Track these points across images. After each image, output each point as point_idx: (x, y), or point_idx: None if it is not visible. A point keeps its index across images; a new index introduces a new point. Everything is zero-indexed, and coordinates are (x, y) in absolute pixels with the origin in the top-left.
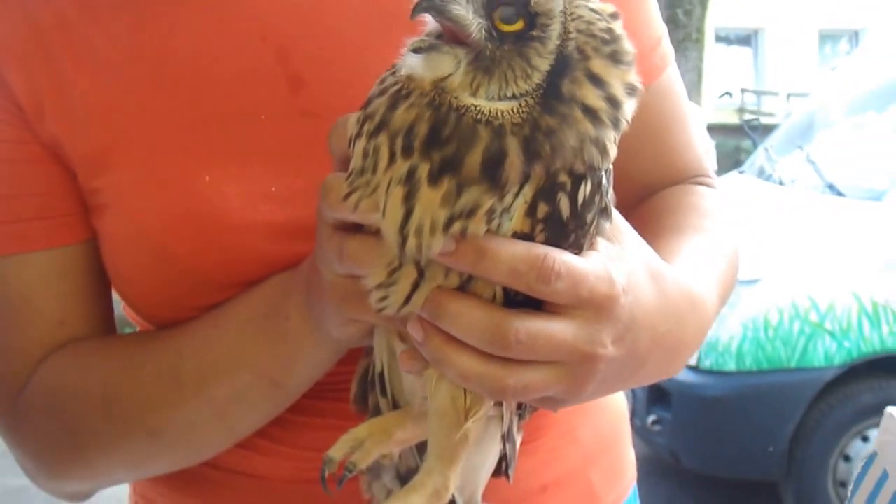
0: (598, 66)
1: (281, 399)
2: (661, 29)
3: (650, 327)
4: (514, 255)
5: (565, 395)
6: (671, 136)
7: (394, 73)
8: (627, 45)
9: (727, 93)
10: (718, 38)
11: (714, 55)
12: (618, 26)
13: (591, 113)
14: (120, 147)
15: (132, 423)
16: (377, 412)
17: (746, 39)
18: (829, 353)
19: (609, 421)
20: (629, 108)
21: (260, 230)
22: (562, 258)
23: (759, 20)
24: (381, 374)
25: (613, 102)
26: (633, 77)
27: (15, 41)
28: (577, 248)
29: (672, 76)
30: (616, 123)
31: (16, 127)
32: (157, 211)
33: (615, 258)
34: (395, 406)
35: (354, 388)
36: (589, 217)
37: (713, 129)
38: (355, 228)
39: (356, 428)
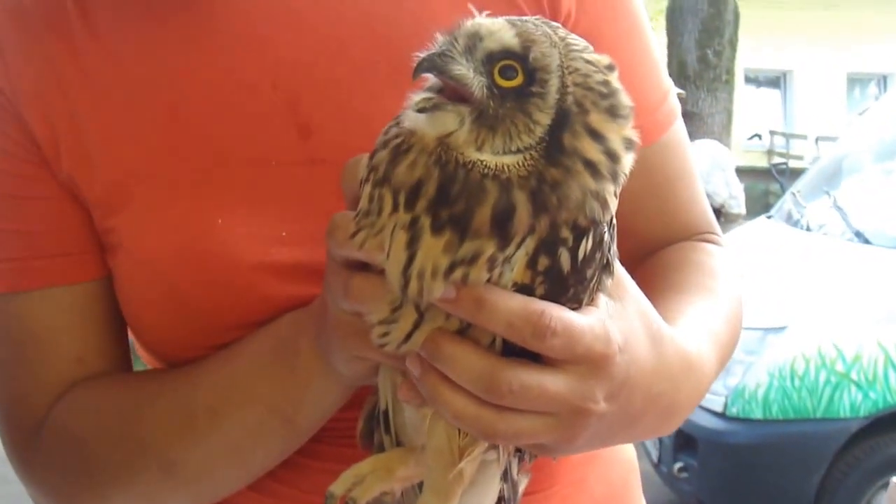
0: (597, 120)
1: (293, 436)
2: (667, 84)
3: (644, 387)
4: (511, 309)
5: (556, 444)
6: (676, 191)
7: (398, 123)
8: (625, 99)
9: (756, 135)
10: (748, 80)
11: (744, 97)
12: (614, 78)
13: (591, 166)
14: (133, 188)
15: (146, 457)
16: (382, 450)
17: (776, 81)
18: (854, 404)
19: (619, 471)
20: (627, 161)
21: (270, 273)
22: (559, 315)
23: (789, 62)
24: (385, 412)
25: (612, 156)
26: (631, 131)
27: (34, 81)
28: (577, 303)
29: (678, 132)
30: (615, 177)
31: (33, 164)
32: (169, 252)
33: (614, 315)
34: (399, 444)
35: (361, 424)
36: (589, 273)
37: (742, 172)
38: (362, 266)
39: (359, 464)
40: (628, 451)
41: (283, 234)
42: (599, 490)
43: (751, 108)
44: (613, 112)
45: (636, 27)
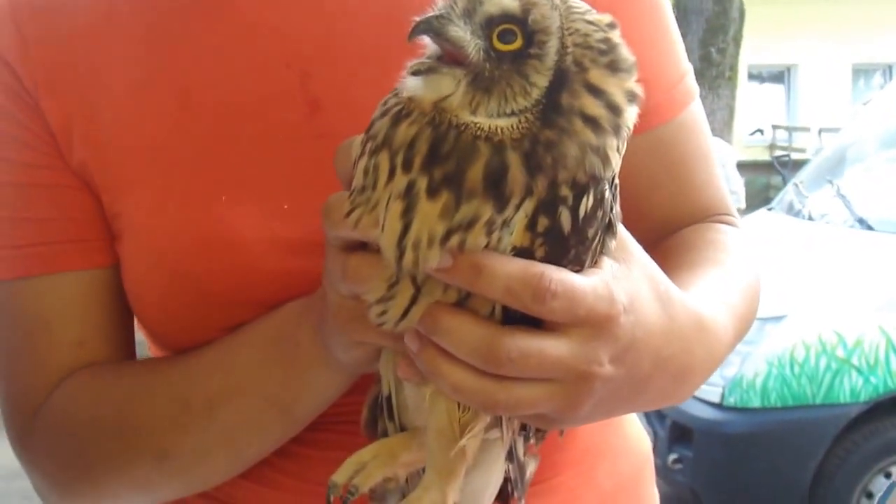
0: (596, 76)
1: (290, 425)
2: (685, 65)
3: (653, 349)
4: (509, 273)
5: (560, 413)
6: (692, 171)
7: (396, 95)
8: (626, 53)
9: (758, 130)
10: (751, 76)
11: (747, 93)
12: (615, 35)
13: (591, 121)
14: (141, 168)
15: (141, 445)
16: (385, 437)
17: (779, 76)
18: (855, 389)
19: (630, 463)
20: (631, 114)
21: (272, 247)
22: (559, 277)
23: (792, 57)
24: (388, 398)
25: (614, 109)
26: (634, 84)
27: (53, 69)
28: (579, 265)
29: (695, 112)
30: (617, 130)
31: (47, 154)
32: (174, 230)
33: (619, 276)
34: (403, 430)
35: (365, 413)
36: (591, 232)
37: (743, 166)
38: (361, 248)
39: (361, 451)
40: (642, 443)
41: (286, 206)
42: (609, 483)
43: (754, 104)
44: (614, 67)
45: (655, 7)
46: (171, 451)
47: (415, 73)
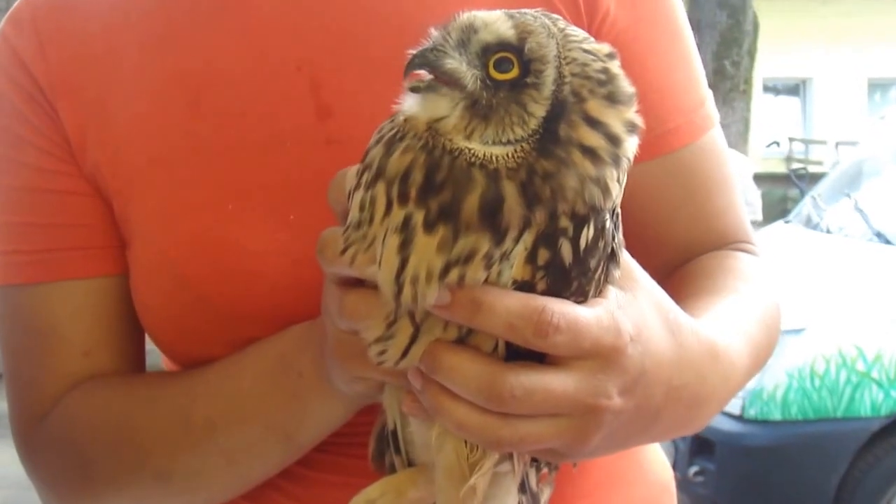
0: (594, 107)
1: (292, 450)
2: (705, 91)
3: (664, 380)
4: (509, 307)
5: (570, 448)
6: (712, 197)
7: (392, 121)
8: (625, 85)
9: (775, 142)
10: (766, 89)
11: (762, 105)
12: (614, 66)
13: (590, 152)
14: (149, 173)
15: (140, 462)
16: (394, 471)
17: (795, 89)
18: (875, 403)
19: (646, 492)
20: (631, 145)
21: (277, 258)
22: (561, 310)
23: (808, 70)
24: (394, 432)
25: (613, 140)
26: (633, 115)
27: (68, 72)
28: (582, 296)
29: (716, 138)
30: (616, 161)
31: (60, 159)
32: (179, 237)
33: (624, 306)
34: (410, 464)
35: (372, 445)
36: (593, 263)
37: (760, 178)
38: (358, 283)
39: (368, 488)
40: (660, 471)
41: (291, 217)
42: None
43: (770, 117)
44: (613, 98)
45: (676, 32)
46: (170, 471)
47: (413, 89)
